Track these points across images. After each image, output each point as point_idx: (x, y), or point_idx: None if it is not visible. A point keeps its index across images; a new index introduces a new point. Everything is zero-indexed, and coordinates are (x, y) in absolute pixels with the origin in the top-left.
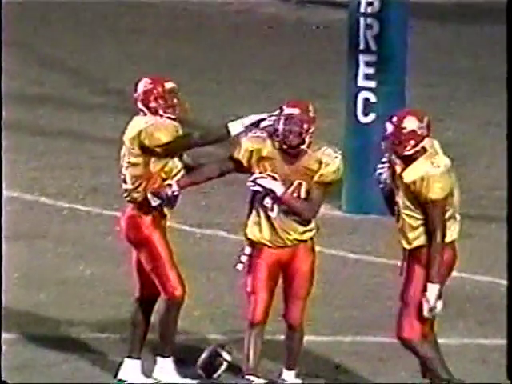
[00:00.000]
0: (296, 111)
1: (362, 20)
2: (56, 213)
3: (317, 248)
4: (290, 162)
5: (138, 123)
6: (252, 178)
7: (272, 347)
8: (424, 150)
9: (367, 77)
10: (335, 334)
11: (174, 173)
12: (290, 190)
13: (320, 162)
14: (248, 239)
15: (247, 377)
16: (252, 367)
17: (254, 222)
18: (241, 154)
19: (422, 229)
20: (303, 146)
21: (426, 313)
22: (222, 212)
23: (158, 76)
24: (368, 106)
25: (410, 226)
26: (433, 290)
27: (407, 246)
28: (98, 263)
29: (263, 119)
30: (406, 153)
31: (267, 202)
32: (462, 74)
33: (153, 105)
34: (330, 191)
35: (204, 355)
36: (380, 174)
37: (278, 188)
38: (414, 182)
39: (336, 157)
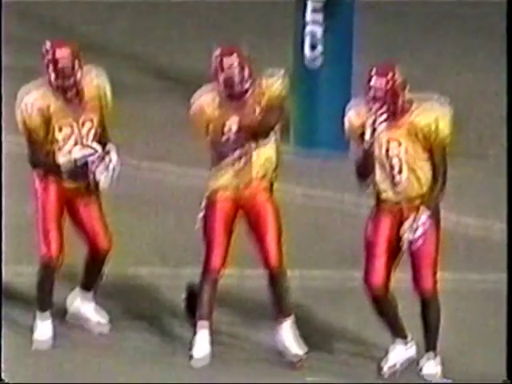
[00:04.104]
0: (234, 59)
1: None
2: None
3: None
4: (239, 108)
5: None
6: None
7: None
8: None
9: (314, 21)
10: None
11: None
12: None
13: (266, 87)
14: (210, 195)
15: (200, 321)
16: (206, 313)
17: (213, 176)
18: (200, 124)
19: (429, 179)
20: (247, 94)
21: (405, 244)
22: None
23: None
24: (315, 48)
25: (423, 180)
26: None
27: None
28: None
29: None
30: (399, 105)
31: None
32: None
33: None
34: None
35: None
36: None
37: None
38: (436, 120)
39: (278, 71)
